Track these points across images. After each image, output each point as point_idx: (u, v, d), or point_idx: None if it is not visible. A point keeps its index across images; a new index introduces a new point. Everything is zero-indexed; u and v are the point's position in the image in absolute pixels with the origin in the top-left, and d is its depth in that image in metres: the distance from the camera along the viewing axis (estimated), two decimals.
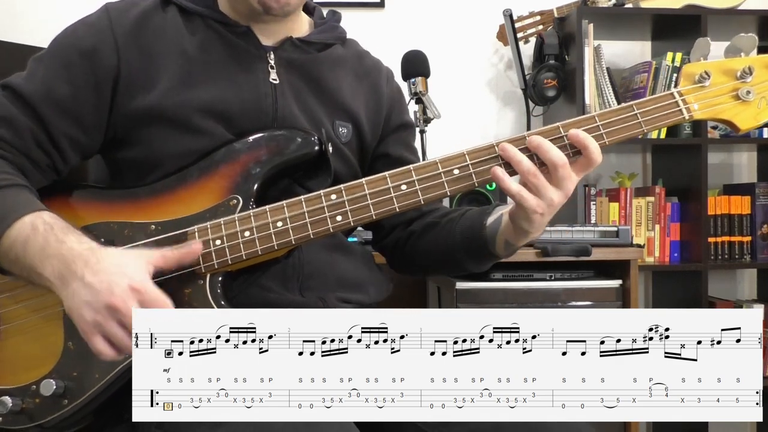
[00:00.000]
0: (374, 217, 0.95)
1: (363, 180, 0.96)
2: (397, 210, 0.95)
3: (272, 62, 1.09)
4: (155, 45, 1.05)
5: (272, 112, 1.07)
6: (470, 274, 1.70)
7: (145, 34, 1.05)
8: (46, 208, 0.95)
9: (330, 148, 1.03)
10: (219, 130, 1.04)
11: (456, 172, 0.95)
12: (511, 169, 0.94)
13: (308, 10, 1.21)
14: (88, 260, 0.87)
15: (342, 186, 0.96)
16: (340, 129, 1.14)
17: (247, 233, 0.95)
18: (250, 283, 1.02)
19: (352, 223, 0.95)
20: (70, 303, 0.88)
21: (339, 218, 0.95)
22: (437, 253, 1.16)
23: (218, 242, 0.95)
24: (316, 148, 1.03)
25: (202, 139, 1.03)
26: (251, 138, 1.03)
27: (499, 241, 1.06)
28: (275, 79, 1.09)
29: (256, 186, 1.00)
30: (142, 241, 0.96)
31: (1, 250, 0.93)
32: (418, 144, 1.96)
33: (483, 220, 1.08)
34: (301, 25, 1.17)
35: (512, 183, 0.93)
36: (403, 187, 0.95)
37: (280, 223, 0.95)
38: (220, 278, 0.96)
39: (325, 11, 1.22)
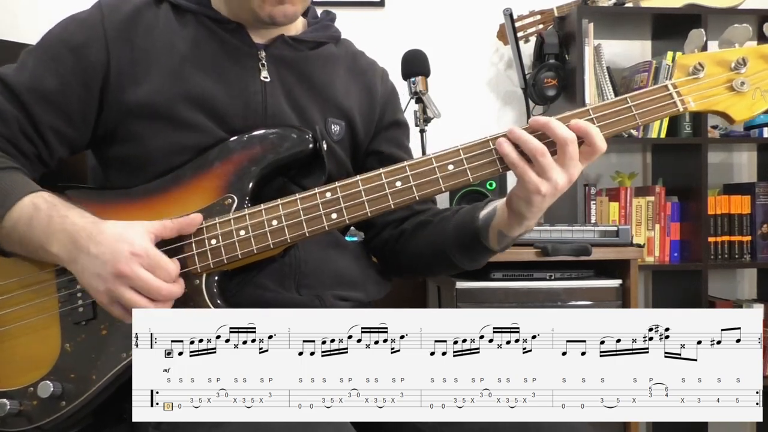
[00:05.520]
0: (369, 214, 0.95)
1: (358, 177, 0.96)
2: (392, 207, 0.95)
3: (263, 60, 1.09)
4: (146, 41, 1.05)
5: (262, 110, 1.07)
6: (470, 273, 1.71)
7: (136, 30, 1.05)
8: (42, 189, 0.97)
9: (324, 146, 1.03)
10: (208, 126, 1.04)
11: (450, 167, 0.95)
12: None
13: None
14: (91, 232, 0.90)
15: (337, 183, 0.96)
16: (333, 127, 1.14)
17: (242, 232, 0.95)
18: (247, 282, 1.02)
19: (347, 221, 0.95)
20: (81, 278, 0.91)
21: (334, 216, 0.95)
22: (429, 251, 1.15)
23: (213, 241, 0.95)
24: (310, 145, 1.03)
25: (192, 135, 1.03)
26: (245, 136, 1.04)
27: (492, 232, 1.05)
28: (266, 77, 1.09)
29: (250, 185, 1.00)
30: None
31: (3, 231, 0.94)
32: (418, 143, 1.97)
33: (476, 213, 1.08)
34: (295, 24, 1.16)
35: (516, 154, 0.92)
36: (398, 183, 0.95)
37: (275, 222, 0.95)
38: (216, 278, 0.96)
39: (320, 11, 1.22)
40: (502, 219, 1.02)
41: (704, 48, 1.01)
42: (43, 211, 0.93)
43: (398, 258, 1.21)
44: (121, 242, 0.89)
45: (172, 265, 0.91)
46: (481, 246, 1.08)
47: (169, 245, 0.95)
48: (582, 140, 0.92)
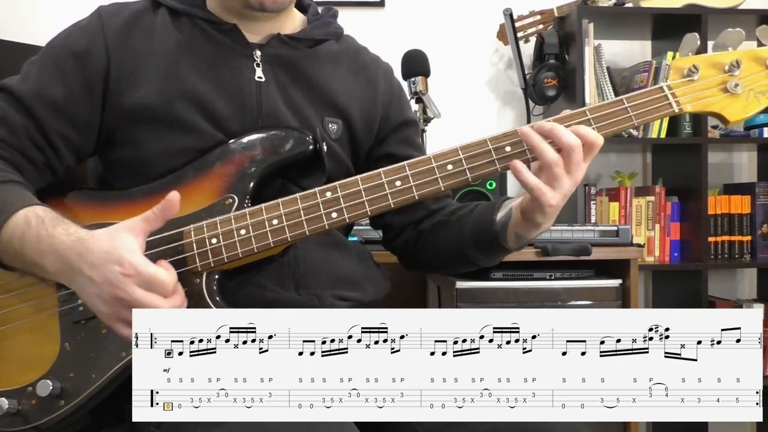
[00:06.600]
0: (369, 213, 0.96)
1: (358, 177, 0.96)
2: (392, 206, 0.96)
3: (258, 59, 1.09)
4: (144, 45, 1.06)
5: (257, 110, 1.07)
6: (470, 273, 1.71)
7: (134, 34, 1.06)
8: (39, 202, 0.96)
9: (324, 147, 1.04)
10: (206, 128, 1.05)
11: (449, 167, 0.96)
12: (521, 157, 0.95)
13: (302, 7, 1.20)
14: (80, 253, 0.89)
15: (337, 183, 0.96)
16: (330, 125, 1.13)
17: (242, 231, 0.95)
18: (246, 281, 1.02)
19: (347, 220, 0.96)
20: (83, 297, 0.91)
21: (334, 215, 0.95)
22: (449, 251, 1.17)
23: (214, 241, 0.95)
24: (311, 147, 1.03)
25: (190, 137, 1.04)
26: (246, 138, 1.04)
27: (510, 235, 1.06)
28: (260, 77, 1.09)
29: (251, 185, 1.00)
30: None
31: (1, 246, 0.94)
32: None
33: (492, 216, 1.08)
34: (293, 22, 1.16)
35: (531, 176, 0.93)
36: (398, 183, 0.96)
37: (275, 221, 0.95)
38: (216, 277, 0.96)
39: (321, 9, 1.22)
40: (518, 223, 1.03)
41: (701, 50, 1.02)
42: (33, 228, 0.92)
43: (418, 258, 1.23)
44: (110, 263, 0.86)
45: (167, 277, 0.88)
46: (498, 246, 1.09)
47: (169, 244, 0.95)
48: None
